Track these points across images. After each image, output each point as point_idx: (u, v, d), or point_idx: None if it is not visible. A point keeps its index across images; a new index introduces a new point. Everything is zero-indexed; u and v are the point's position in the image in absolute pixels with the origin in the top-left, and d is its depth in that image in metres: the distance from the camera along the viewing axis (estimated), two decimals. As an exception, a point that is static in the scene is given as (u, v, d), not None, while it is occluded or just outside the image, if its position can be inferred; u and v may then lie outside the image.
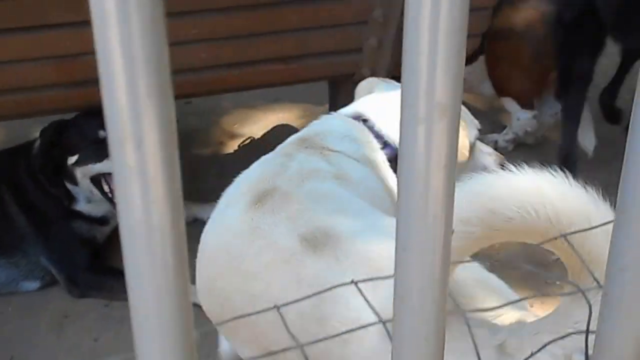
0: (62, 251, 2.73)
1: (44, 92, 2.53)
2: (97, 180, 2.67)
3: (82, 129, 2.65)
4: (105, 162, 2.61)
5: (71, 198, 2.75)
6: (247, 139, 3.63)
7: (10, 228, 2.74)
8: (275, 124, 3.79)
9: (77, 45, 2.36)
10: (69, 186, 2.72)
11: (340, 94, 3.05)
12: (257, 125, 3.80)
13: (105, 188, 2.66)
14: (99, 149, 2.59)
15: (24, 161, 2.75)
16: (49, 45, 2.36)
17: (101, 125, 2.57)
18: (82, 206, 2.77)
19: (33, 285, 2.76)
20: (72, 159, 2.66)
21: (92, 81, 1.95)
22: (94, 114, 2.64)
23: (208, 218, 2.98)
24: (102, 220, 2.83)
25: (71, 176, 2.69)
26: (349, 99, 3.02)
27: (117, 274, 2.72)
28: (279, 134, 3.62)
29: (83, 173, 2.67)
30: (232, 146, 3.64)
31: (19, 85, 2.46)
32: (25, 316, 2.65)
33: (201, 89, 2.69)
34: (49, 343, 2.54)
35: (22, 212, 2.73)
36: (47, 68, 2.43)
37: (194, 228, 2.77)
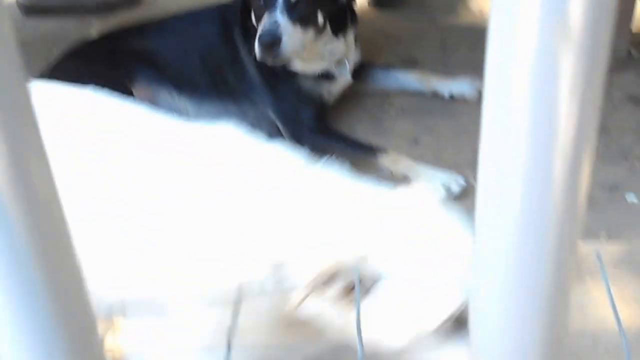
0: (287, 108, 2.60)
1: None
2: None
3: None
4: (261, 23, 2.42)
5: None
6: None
7: (241, 74, 2.63)
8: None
9: None
10: None
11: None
12: None
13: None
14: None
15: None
16: None
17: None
18: (297, 66, 2.59)
19: (266, 137, 2.67)
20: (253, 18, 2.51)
21: None
22: None
23: (448, 93, 2.71)
24: (327, 76, 2.65)
25: None
26: None
27: (340, 139, 2.55)
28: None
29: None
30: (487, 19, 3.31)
31: None
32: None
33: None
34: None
35: (252, 61, 2.59)
36: None
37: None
